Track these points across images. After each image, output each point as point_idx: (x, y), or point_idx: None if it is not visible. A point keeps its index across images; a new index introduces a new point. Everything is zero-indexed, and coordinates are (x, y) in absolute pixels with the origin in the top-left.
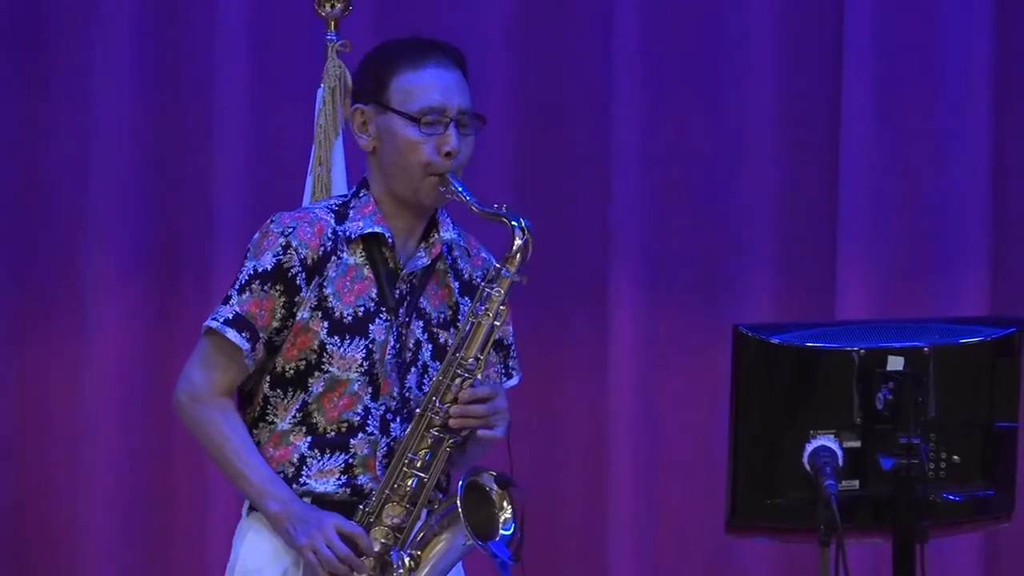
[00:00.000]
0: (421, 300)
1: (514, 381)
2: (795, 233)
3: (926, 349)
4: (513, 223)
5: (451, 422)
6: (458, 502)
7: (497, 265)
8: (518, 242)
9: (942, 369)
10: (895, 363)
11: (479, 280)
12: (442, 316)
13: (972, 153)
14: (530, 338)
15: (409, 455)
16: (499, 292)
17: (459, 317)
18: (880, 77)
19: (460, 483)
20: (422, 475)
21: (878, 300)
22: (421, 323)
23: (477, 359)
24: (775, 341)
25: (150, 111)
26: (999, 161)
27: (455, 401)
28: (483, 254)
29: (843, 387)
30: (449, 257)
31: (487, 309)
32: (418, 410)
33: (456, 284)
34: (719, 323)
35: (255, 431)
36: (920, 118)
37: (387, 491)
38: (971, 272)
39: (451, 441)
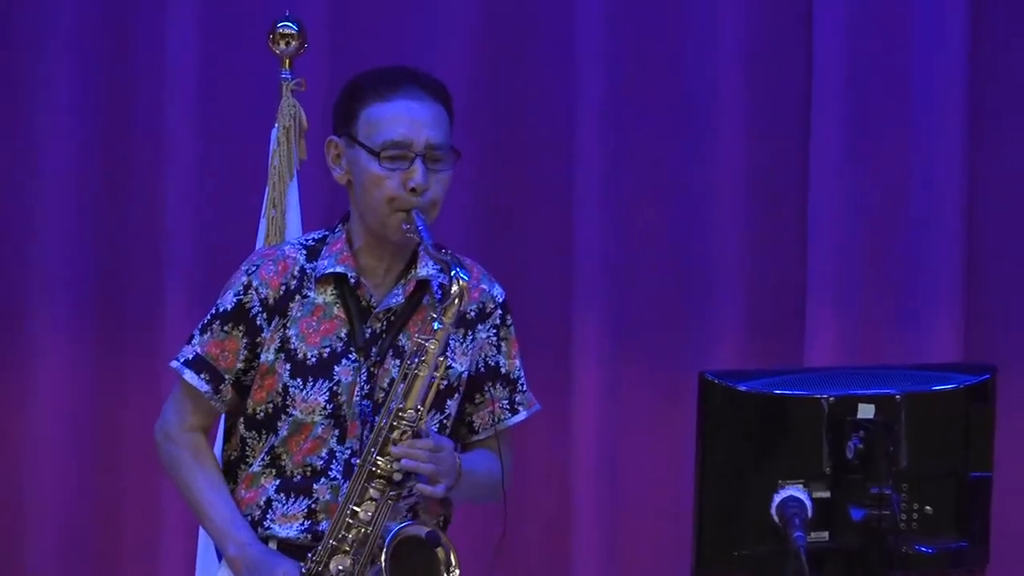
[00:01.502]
0: (400, 338)
1: (521, 416)
2: (763, 278)
3: (898, 396)
4: (452, 272)
5: (393, 475)
6: (382, 563)
7: (433, 315)
8: (453, 291)
9: (914, 417)
10: (866, 411)
11: (473, 314)
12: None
13: (945, 195)
14: None
15: (352, 507)
16: (435, 344)
17: (448, 354)
18: (850, 117)
19: (388, 539)
20: (366, 527)
21: (848, 346)
22: (398, 362)
23: (418, 410)
24: (742, 388)
25: (95, 151)
26: (972, 204)
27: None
28: (483, 285)
29: (812, 436)
30: (439, 292)
31: (423, 361)
32: (357, 461)
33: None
34: (685, 370)
35: (237, 471)
36: (892, 159)
37: (332, 542)
38: (944, 317)
39: (392, 494)
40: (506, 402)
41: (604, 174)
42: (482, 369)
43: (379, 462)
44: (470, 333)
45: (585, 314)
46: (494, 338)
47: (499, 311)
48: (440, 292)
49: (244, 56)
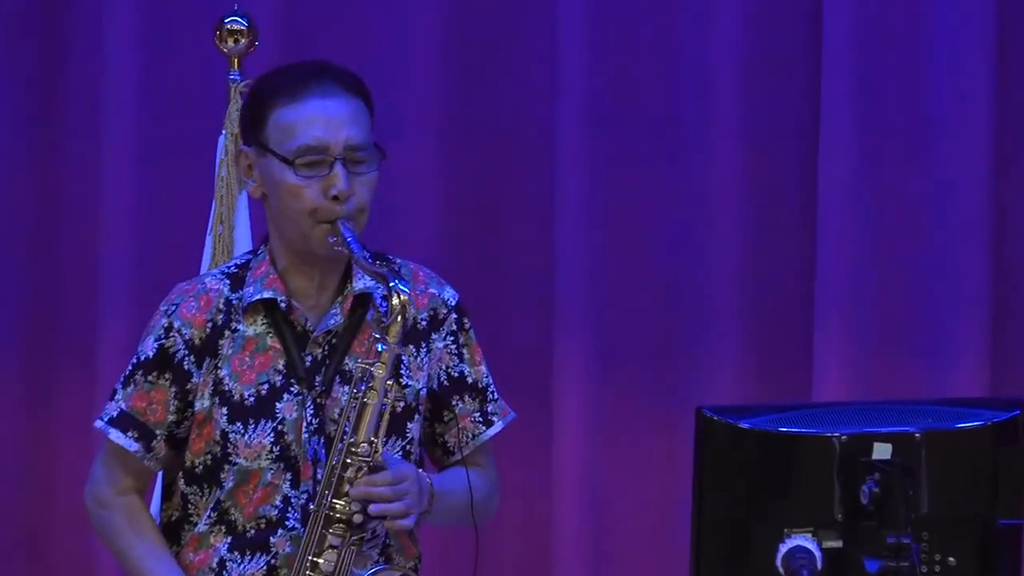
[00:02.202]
0: (346, 361)
1: (496, 428)
2: (766, 303)
3: (917, 435)
4: (390, 284)
5: (353, 517)
6: None
7: (376, 336)
8: (394, 304)
9: (936, 457)
10: (882, 451)
11: (424, 323)
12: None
13: (969, 214)
14: None
15: (310, 558)
16: (381, 368)
17: (402, 371)
18: (863, 126)
19: None
20: None
21: (861, 379)
22: (347, 388)
23: (371, 443)
24: (744, 425)
25: (23, 161)
26: (1000, 223)
27: (349, 494)
28: (432, 289)
29: (822, 478)
30: (384, 304)
31: (370, 388)
32: (312, 506)
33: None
34: (679, 405)
35: (181, 532)
36: (909, 172)
37: None
38: (968, 347)
39: (354, 538)
40: (478, 415)
41: (589, 189)
42: (445, 383)
43: (336, 505)
44: (424, 344)
45: (568, 342)
46: (453, 346)
47: (454, 315)
48: (385, 305)
49: (188, 55)
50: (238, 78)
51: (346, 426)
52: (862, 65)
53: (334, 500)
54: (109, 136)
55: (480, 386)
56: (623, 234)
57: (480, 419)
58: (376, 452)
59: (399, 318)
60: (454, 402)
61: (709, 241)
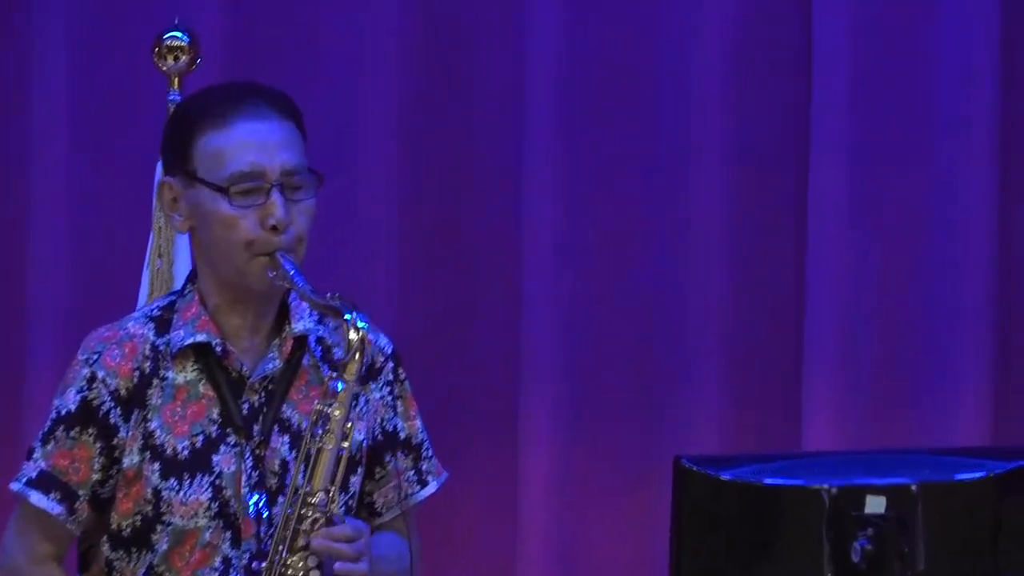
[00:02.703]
0: (284, 409)
1: (431, 488)
2: (751, 344)
3: (914, 487)
4: (345, 317)
5: (309, 570)
6: None
7: (332, 374)
8: (352, 340)
9: (934, 512)
10: (875, 504)
11: (362, 370)
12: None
13: (971, 247)
14: None
15: None
16: (339, 409)
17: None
18: (855, 148)
19: None
20: None
21: (853, 426)
22: (287, 438)
23: (327, 492)
24: (725, 477)
25: None
26: (1005, 257)
27: (307, 548)
28: (369, 335)
29: (810, 534)
30: (319, 348)
31: (328, 431)
32: (263, 565)
33: None
34: (656, 457)
35: None
36: (907, 201)
37: None
38: (968, 392)
39: None
40: (412, 473)
41: (557, 216)
42: (379, 437)
43: (291, 562)
44: (362, 395)
45: (535, 388)
46: (389, 397)
47: (390, 364)
48: (320, 348)
49: (124, 74)
50: (178, 99)
51: (300, 474)
52: (856, 79)
53: (290, 557)
54: (38, 162)
55: (414, 442)
56: (596, 271)
57: (415, 478)
58: (333, 502)
59: (357, 355)
60: (387, 459)
61: (689, 277)
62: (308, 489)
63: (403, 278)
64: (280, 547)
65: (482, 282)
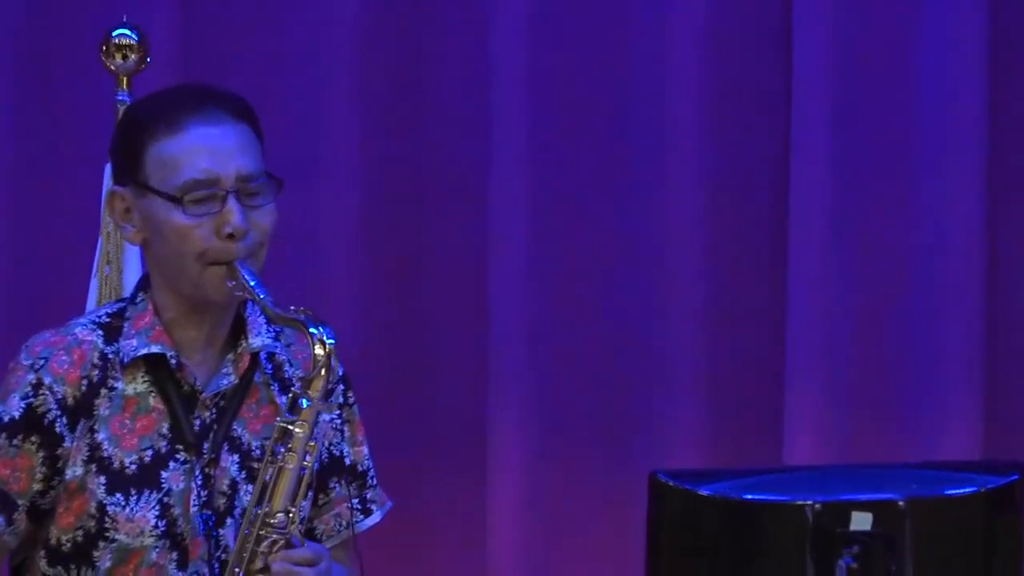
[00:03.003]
0: (235, 427)
1: (375, 518)
2: (729, 359)
3: (901, 503)
4: (311, 331)
5: None
6: None
7: (296, 391)
8: (317, 355)
9: (922, 529)
10: (861, 521)
11: (299, 389)
12: (266, 445)
13: (960, 257)
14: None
15: None
16: (303, 427)
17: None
18: (838, 164)
19: None
20: None
21: (837, 441)
22: (237, 457)
23: (288, 513)
24: (704, 492)
25: None
26: (995, 267)
27: (265, 571)
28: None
29: (793, 553)
30: (269, 365)
31: (290, 449)
32: None
33: (283, 399)
34: (630, 477)
35: None
36: (889, 214)
37: None
38: (958, 406)
39: None
40: (356, 501)
41: (527, 234)
42: (326, 461)
43: None
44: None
45: (504, 408)
46: (338, 421)
47: (340, 387)
48: (271, 365)
49: (70, 73)
50: (127, 99)
51: (261, 494)
52: (837, 94)
53: None
54: None
55: (360, 469)
56: (566, 285)
57: (358, 506)
58: (293, 523)
59: (323, 371)
60: (331, 484)
61: (665, 292)
62: (267, 510)
63: (364, 295)
64: (236, 569)
65: (448, 298)
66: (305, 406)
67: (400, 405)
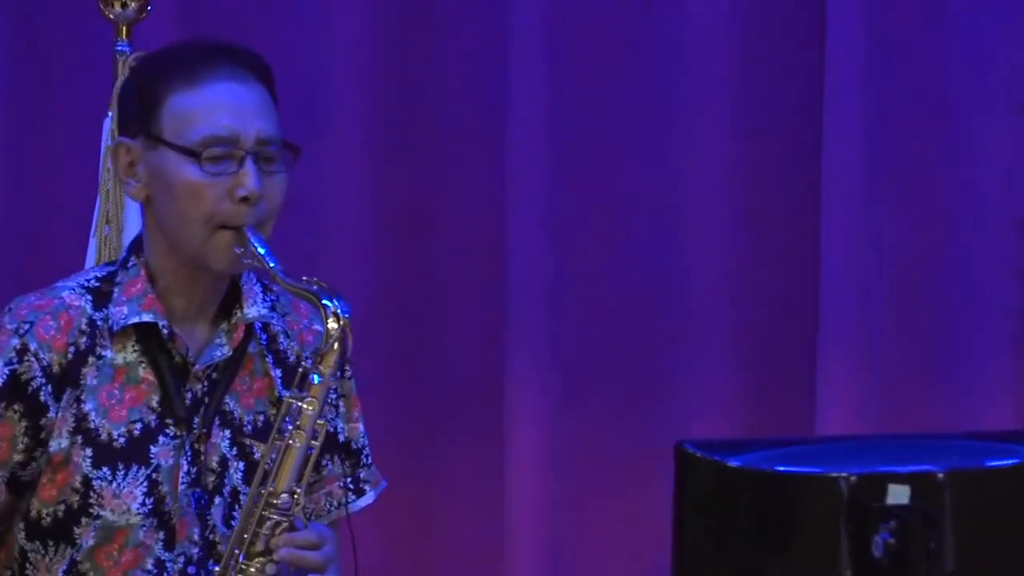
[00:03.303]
0: (227, 400)
1: (368, 499)
2: (759, 318)
3: (941, 475)
4: (324, 303)
5: None
6: None
7: (306, 366)
8: (331, 329)
9: (963, 502)
10: (898, 494)
11: (309, 364)
12: (260, 420)
13: (994, 216)
14: (397, 462)
15: None
16: (312, 404)
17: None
18: (872, 115)
19: None
20: None
21: (873, 408)
22: (228, 432)
23: (293, 495)
24: (733, 464)
25: None
26: None
27: (266, 554)
28: (316, 326)
29: (827, 528)
30: (264, 335)
31: (298, 427)
32: (216, 569)
33: (278, 372)
34: (656, 444)
35: None
36: (929, 171)
37: None
38: (997, 372)
39: None
40: (349, 480)
41: (547, 184)
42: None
43: (248, 568)
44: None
45: (521, 370)
46: (333, 396)
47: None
48: (265, 336)
49: (67, 22)
50: (127, 49)
51: (265, 472)
52: (870, 44)
53: (246, 563)
54: None
55: (354, 447)
56: (588, 237)
57: (351, 485)
58: (297, 505)
59: (336, 345)
60: (324, 462)
61: (692, 245)
62: (271, 490)
63: (373, 247)
64: (236, 551)
65: (462, 250)
66: (316, 382)
67: (411, 366)
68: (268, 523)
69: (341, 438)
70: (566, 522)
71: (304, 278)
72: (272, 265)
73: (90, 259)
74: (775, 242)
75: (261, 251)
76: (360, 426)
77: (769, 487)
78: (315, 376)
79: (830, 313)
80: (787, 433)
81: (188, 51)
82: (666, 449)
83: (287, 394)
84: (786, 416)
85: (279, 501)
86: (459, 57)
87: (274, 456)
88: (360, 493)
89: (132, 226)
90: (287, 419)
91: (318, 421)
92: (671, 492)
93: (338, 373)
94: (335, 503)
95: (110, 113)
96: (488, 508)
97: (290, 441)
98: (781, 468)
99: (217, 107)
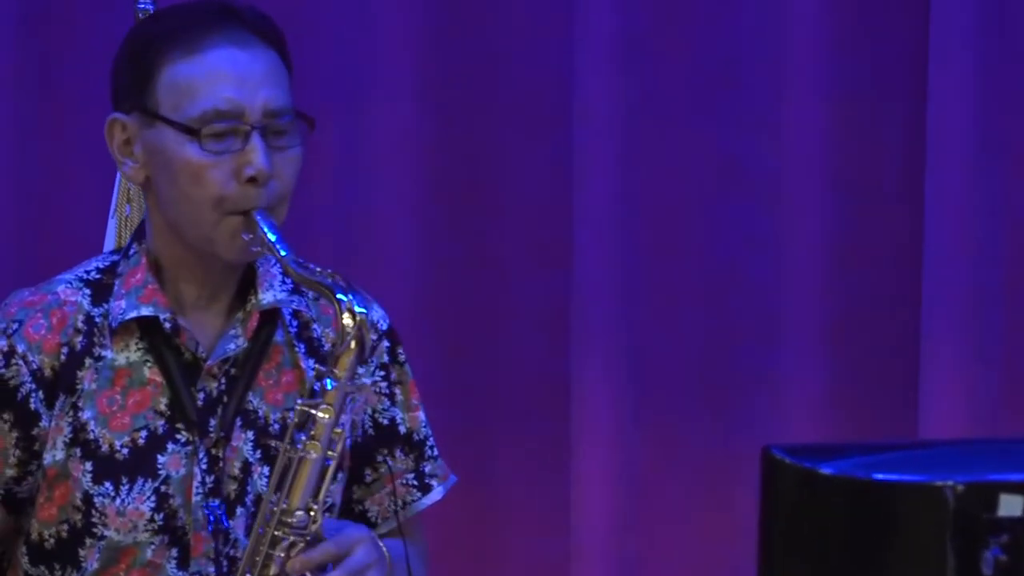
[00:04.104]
0: (249, 398)
1: (436, 495)
2: (855, 311)
3: None
4: (339, 297)
5: None
6: None
7: (320, 369)
8: (347, 326)
9: None
10: (1011, 505)
11: (323, 368)
12: (289, 417)
13: None
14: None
15: None
16: (328, 411)
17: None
18: (982, 81)
19: None
20: None
21: (982, 410)
22: (251, 434)
23: (309, 511)
24: (826, 471)
25: None
26: None
27: None
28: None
29: (931, 541)
30: (294, 322)
31: (313, 437)
32: None
33: (310, 363)
34: (737, 445)
35: None
36: None
37: None
38: None
39: None
40: (412, 476)
41: (618, 162)
42: (370, 431)
43: None
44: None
45: (589, 367)
46: (383, 384)
47: (385, 343)
48: (296, 323)
49: None
50: (150, 8)
51: (277, 487)
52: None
53: None
54: None
55: (416, 438)
56: (664, 222)
57: (415, 482)
58: (314, 522)
59: (352, 344)
60: (380, 458)
61: (779, 227)
62: (285, 507)
63: (425, 229)
64: (247, 573)
65: (523, 233)
66: (330, 387)
67: (467, 362)
68: (283, 543)
69: (402, 429)
70: (637, 539)
71: (318, 269)
72: (284, 254)
73: (109, 242)
74: (873, 217)
75: (272, 237)
76: (420, 415)
77: (865, 497)
78: (329, 381)
79: (935, 294)
80: (885, 437)
81: (185, 13)
82: (750, 456)
83: (299, 401)
84: (884, 418)
85: (294, 520)
86: (519, 24)
87: (286, 469)
88: (426, 489)
89: None
90: (299, 430)
91: (335, 430)
92: (755, 504)
93: (355, 376)
94: (400, 502)
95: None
96: (553, 523)
97: (304, 453)
98: (879, 476)
99: (218, 76)
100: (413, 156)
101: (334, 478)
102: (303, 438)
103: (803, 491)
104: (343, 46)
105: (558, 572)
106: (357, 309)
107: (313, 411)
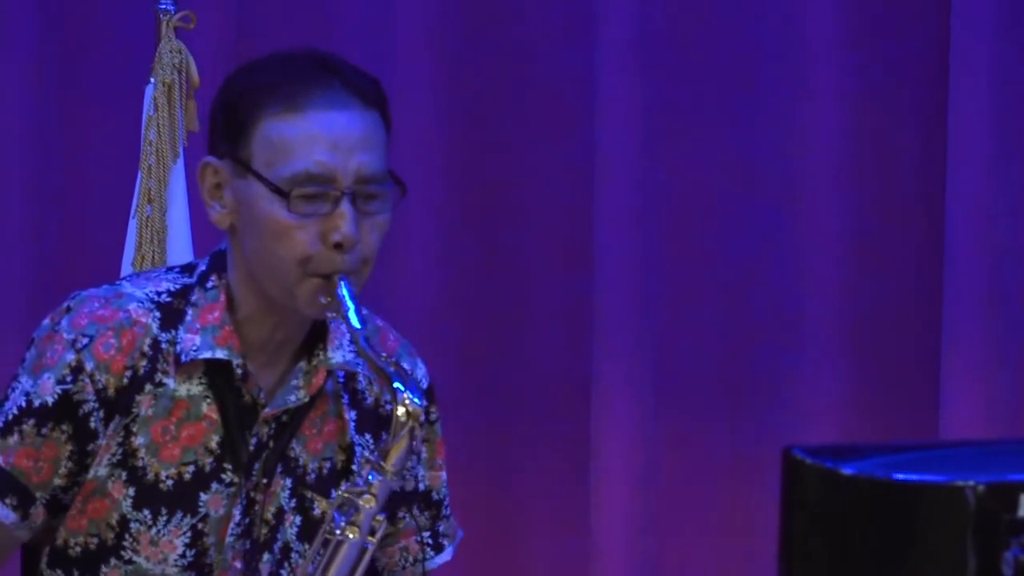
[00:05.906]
0: (293, 445)
1: (446, 555)
2: (876, 311)
3: None
4: (396, 386)
5: None
6: None
7: (371, 460)
8: (399, 419)
9: None
10: None
11: (389, 408)
12: (325, 468)
13: None
14: (470, 474)
15: None
16: (370, 502)
17: (354, 466)
18: (1002, 76)
19: None
20: None
21: (1004, 409)
22: (290, 481)
23: None
24: (847, 472)
25: None
26: None
27: None
28: (404, 364)
29: (952, 542)
30: (342, 374)
31: (352, 523)
32: None
33: (353, 415)
34: (758, 445)
35: None
36: None
37: None
38: None
39: None
40: (427, 535)
41: (638, 163)
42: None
43: None
44: (383, 436)
45: (610, 368)
46: (411, 461)
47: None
48: (343, 375)
49: None
50: (171, 8)
51: (310, 568)
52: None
53: None
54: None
55: (435, 498)
56: (684, 222)
57: (429, 540)
58: None
59: (406, 438)
60: (400, 514)
61: (799, 227)
62: None
63: (445, 231)
64: None
65: (544, 235)
66: (374, 480)
67: (488, 362)
68: None
69: (421, 487)
70: (657, 539)
71: (383, 354)
72: (357, 328)
73: (130, 242)
74: (893, 216)
75: (350, 305)
76: (443, 474)
77: (886, 497)
78: (374, 475)
79: (957, 293)
80: (907, 437)
81: (288, 68)
82: (771, 456)
83: (344, 487)
84: (905, 418)
85: None
86: (540, 25)
87: (321, 552)
88: (439, 549)
89: (176, 206)
90: (341, 513)
91: (377, 517)
92: (776, 504)
93: (406, 465)
94: (411, 559)
95: (152, 80)
96: (573, 524)
97: (343, 538)
98: (900, 476)
99: (314, 139)
100: (435, 157)
101: (370, 562)
102: (343, 522)
103: (824, 491)
104: (364, 46)
105: (578, 572)
106: (413, 402)
107: (356, 499)
